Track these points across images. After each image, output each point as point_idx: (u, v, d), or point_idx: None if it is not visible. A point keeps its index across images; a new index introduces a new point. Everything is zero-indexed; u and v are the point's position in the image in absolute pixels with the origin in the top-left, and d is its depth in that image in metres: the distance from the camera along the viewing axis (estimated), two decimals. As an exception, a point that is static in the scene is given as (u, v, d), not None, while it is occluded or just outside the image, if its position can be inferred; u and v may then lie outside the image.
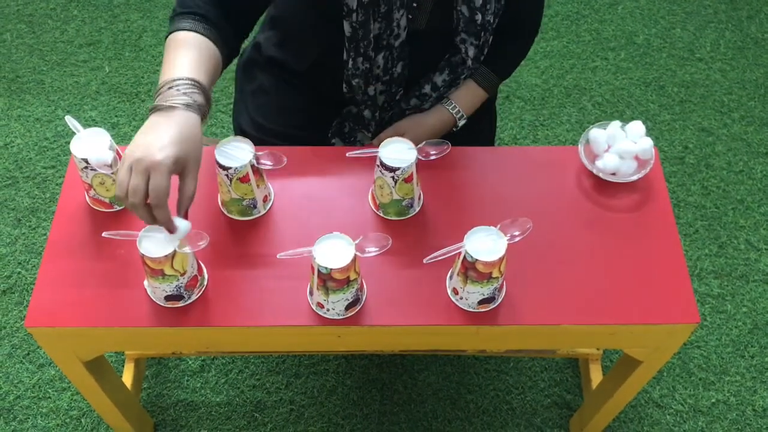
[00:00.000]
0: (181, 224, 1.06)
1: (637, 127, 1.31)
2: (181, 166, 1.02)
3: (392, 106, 1.42)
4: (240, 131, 1.53)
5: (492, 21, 1.32)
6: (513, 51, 1.47)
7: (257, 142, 1.21)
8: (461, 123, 1.45)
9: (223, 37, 1.18)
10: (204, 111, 1.08)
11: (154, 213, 1.02)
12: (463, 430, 1.74)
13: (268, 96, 1.49)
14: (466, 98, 1.44)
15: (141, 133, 1.03)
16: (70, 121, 1.19)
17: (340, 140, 1.49)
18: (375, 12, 1.24)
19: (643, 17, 2.61)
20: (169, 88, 1.06)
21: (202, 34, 1.14)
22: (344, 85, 1.37)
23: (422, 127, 1.43)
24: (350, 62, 1.31)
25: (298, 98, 1.47)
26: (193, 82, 1.07)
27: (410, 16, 1.28)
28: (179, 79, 1.06)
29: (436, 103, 1.43)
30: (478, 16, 1.29)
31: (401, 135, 1.41)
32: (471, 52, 1.35)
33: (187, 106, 1.04)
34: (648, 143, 1.30)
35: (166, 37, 1.15)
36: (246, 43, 1.58)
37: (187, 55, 1.10)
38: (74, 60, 2.41)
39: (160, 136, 1.01)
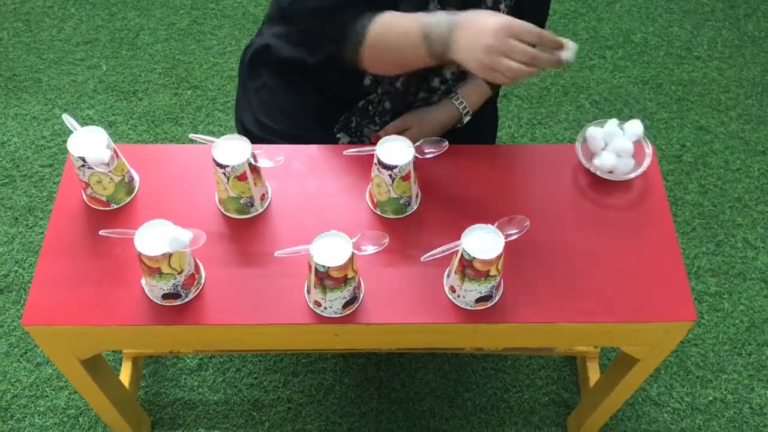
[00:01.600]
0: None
1: (635, 125, 1.31)
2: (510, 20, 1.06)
3: (403, 96, 1.42)
4: (243, 130, 1.51)
5: (505, 13, 1.32)
6: None
7: (261, 141, 1.20)
8: (466, 119, 1.45)
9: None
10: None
11: (543, 42, 1.04)
12: (460, 428, 1.74)
13: (273, 95, 1.48)
14: (472, 94, 1.45)
15: (463, 42, 1.06)
16: (67, 120, 1.19)
17: (345, 135, 1.48)
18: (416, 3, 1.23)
19: (640, 15, 2.61)
20: (429, 26, 1.11)
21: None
22: (367, 78, 1.35)
23: (429, 121, 1.43)
24: None
25: (303, 98, 1.46)
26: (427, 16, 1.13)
27: (439, 7, 1.27)
28: (429, 19, 1.11)
29: (444, 96, 1.44)
30: (502, 6, 1.29)
31: (408, 128, 1.41)
32: None
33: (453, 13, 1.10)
34: (638, 127, 1.30)
35: (363, 33, 1.18)
36: (246, 41, 1.57)
37: (403, 16, 1.16)
38: (71, 58, 2.40)
39: (473, 21, 1.06)
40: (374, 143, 1.20)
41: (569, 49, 1.08)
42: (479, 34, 1.04)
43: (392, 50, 1.18)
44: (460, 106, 1.43)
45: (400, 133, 1.45)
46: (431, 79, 1.39)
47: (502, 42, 1.02)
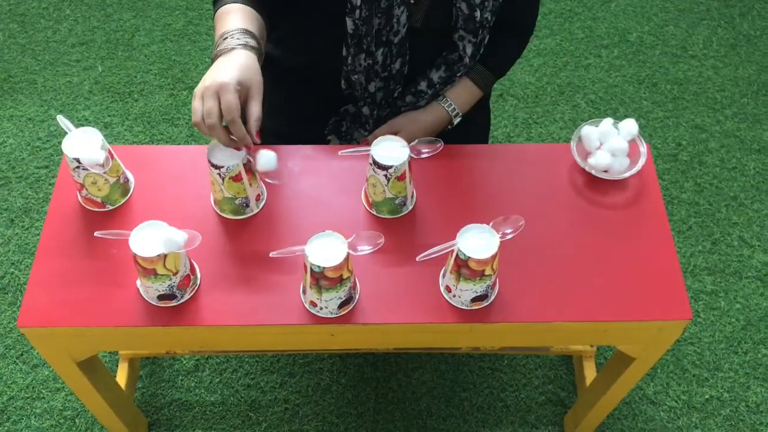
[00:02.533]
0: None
1: (630, 125, 1.31)
2: (245, 89, 1.11)
3: (389, 103, 1.42)
4: None
5: (490, 18, 1.32)
6: (509, 49, 1.47)
7: None
8: (456, 120, 1.45)
9: (261, 13, 1.27)
10: (259, 52, 1.17)
11: (231, 130, 1.10)
12: (457, 427, 1.74)
13: (264, 95, 1.48)
14: (461, 96, 1.44)
15: (207, 73, 1.12)
16: (62, 121, 1.19)
17: (336, 138, 1.49)
18: (376, 8, 1.24)
19: (636, 15, 2.62)
20: (224, 39, 1.16)
21: (246, 4, 1.24)
22: (343, 82, 1.36)
23: (418, 124, 1.43)
24: (350, 59, 1.31)
25: (293, 96, 1.47)
26: (244, 31, 1.17)
27: (408, 13, 1.28)
28: (232, 30, 1.17)
29: (432, 100, 1.43)
30: (477, 13, 1.29)
31: (396, 132, 1.41)
32: (469, 49, 1.35)
33: (243, 46, 1.14)
34: (633, 126, 1.30)
35: (214, 14, 1.25)
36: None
37: (236, 16, 1.21)
38: (67, 59, 2.40)
39: (223, 68, 1.10)
40: (363, 145, 1.20)
41: (261, 158, 1.15)
42: (209, 75, 1.11)
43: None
44: (449, 108, 1.43)
45: None
46: (418, 82, 1.39)
47: (205, 91, 1.09)
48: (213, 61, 1.15)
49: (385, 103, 1.42)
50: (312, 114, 1.47)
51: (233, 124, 1.09)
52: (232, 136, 1.11)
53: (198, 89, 1.10)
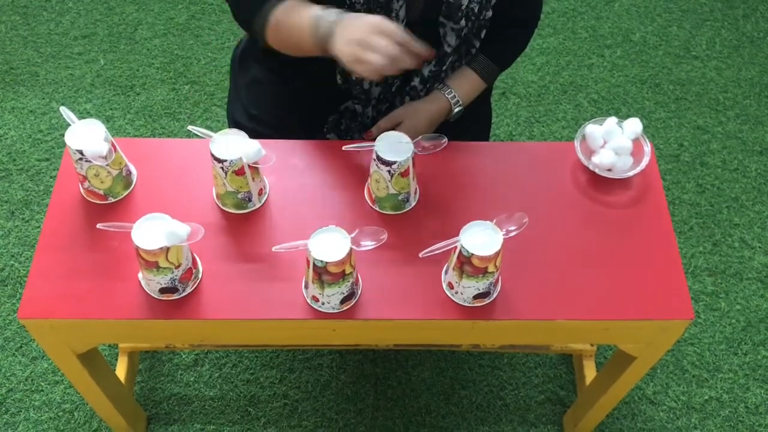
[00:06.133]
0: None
1: (634, 123, 1.31)
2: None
3: (387, 98, 1.42)
4: (234, 123, 1.52)
5: (477, 10, 1.31)
6: (512, 41, 1.46)
7: (252, 133, 1.20)
8: (457, 109, 1.43)
9: None
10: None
11: (409, 48, 1.11)
12: (456, 425, 1.74)
13: (263, 87, 1.48)
14: (463, 85, 1.43)
15: (346, 32, 1.12)
16: (65, 112, 1.18)
17: (335, 136, 1.48)
18: (375, 2, 1.24)
19: (639, 15, 2.61)
20: (319, 18, 1.16)
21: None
22: (338, 77, 1.36)
23: (419, 114, 1.42)
24: None
25: (292, 90, 1.46)
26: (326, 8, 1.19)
27: (407, 7, 1.28)
28: (320, 13, 1.17)
29: (432, 90, 1.43)
30: (464, 2, 1.29)
31: (399, 123, 1.40)
32: (452, 39, 1.34)
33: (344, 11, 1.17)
34: (637, 125, 1.30)
35: (267, 15, 1.23)
36: (241, 36, 1.58)
37: (304, 6, 1.21)
38: (69, 52, 2.39)
39: (354, 19, 1.13)
40: (365, 140, 1.20)
41: (249, 151, 1.17)
42: (352, 30, 1.12)
43: (288, 35, 1.24)
44: (449, 96, 1.42)
45: (392, 128, 1.45)
46: (412, 78, 1.39)
47: (368, 37, 1.10)
48: (326, 37, 1.15)
49: (384, 98, 1.41)
50: (311, 109, 1.46)
51: (409, 44, 1.11)
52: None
53: (355, 41, 1.10)
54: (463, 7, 1.29)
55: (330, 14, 1.16)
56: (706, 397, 1.80)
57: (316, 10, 1.18)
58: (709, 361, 1.85)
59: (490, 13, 1.33)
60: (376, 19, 1.11)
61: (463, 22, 1.31)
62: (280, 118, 1.48)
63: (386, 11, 1.25)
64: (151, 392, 1.76)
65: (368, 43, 1.09)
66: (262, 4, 1.24)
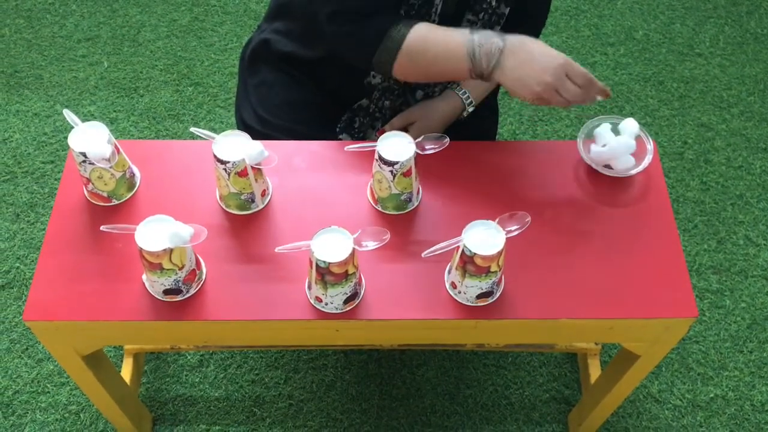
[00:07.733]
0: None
1: (630, 124, 1.31)
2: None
3: (404, 93, 1.42)
4: (243, 125, 1.51)
5: (496, 5, 1.31)
6: None
7: (261, 137, 1.20)
8: (470, 109, 1.45)
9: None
10: None
11: (589, 89, 1.17)
12: (461, 424, 1.74)
13: (273, 90, 1.48)
14: (475, 85, 1.44)
15: (515, 70, 1.15)
16: (68, 115, 1.19)
17: (348, 136, 1.48)
18: None
19: (642, 12, 2.61)
20: (474, 45, 1.16)
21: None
22: (371, 74, 1.36)
23: (433, 113, 1.43)
24: None
25: (303, 93, 1.46)
26: (470, 30, 1.19)
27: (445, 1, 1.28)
28: (470, 36, 1.17)
29: (443, 90, 1.44)
30: (503, 5, 1.30)
31: (413, 122, 1.41)
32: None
33: (499, 34, 1.17)
34: (633, 125, 1.30)
35: (395, 47, 1.20)
36: (247, 37, 1.57)
37: (442, 29, 1.21)
38: (73, 55, 2.40)
39: (532, 54, 1.14)
40: (378, 137, 1.20)
41: (252, 153, 1.17)
42: (539, 70, 1.13)
43: (429, 61, 1.20)
44: (463, 96, 1.44)
45: (405, 127, 1.45)
46: None
47: (560, 82, 1.13)
48: (489, 67, 1.15)
49: (399, 93, 1.42)
50: (321, 112, 1.46)
51: (593, 84, 1.16)
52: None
53: (548, 84, 1.13)
54: (486, 3, 1.30)
55: (489, 40, 1.15)
56: (712, 395, 1.80)
57: (467, 34, 1.17)
58: (715, 359, 1.85)
59: (507, 10, 1.33)
60: (563, 61, 1.13)
61: (483, 18, 1.32)
62: (291, 121, 1.48)
63: (428, 5, 1.25)
64: (157, 393, 1.76)
65: (560, 86, 1.13)
66: (381, 39, 1.20)
